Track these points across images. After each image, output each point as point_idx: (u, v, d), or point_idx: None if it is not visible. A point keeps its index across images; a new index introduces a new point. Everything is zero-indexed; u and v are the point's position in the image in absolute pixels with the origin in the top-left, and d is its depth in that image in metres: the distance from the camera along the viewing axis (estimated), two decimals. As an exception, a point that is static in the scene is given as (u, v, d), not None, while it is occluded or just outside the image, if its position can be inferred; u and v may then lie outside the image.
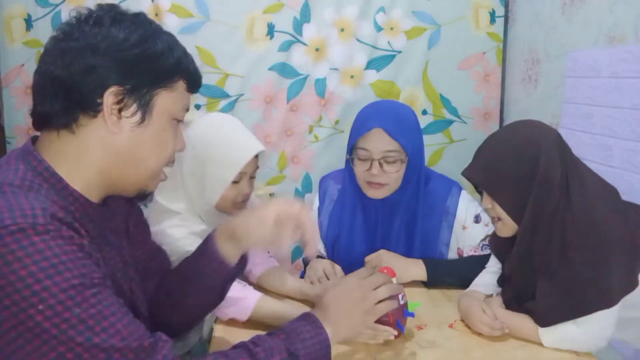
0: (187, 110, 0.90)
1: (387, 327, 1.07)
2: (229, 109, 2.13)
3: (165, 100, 0.83)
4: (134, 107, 0.80)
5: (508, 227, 1.19)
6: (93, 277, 0.71)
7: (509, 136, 1.18)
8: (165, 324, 0.97)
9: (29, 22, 2.03)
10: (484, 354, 1.10)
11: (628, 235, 1.07)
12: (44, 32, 2.03)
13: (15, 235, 0.66)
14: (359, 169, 1.44)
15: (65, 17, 2.01)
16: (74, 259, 0.70)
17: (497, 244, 1.29)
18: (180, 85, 0.86)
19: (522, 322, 1.15)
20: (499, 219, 1.19)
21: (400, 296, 1.11)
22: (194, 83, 0.89)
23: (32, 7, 2.01)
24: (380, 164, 1.39)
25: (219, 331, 1.18)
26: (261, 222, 0.93)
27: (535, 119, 1.24)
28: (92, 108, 0.78)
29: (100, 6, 0.82)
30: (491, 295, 1.28)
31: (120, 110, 0.79)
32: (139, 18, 0.83)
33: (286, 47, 2.14)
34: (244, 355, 0.81)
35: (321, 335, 0.88)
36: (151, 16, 2.00)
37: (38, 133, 0.85)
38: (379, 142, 1.39)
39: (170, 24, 2.01)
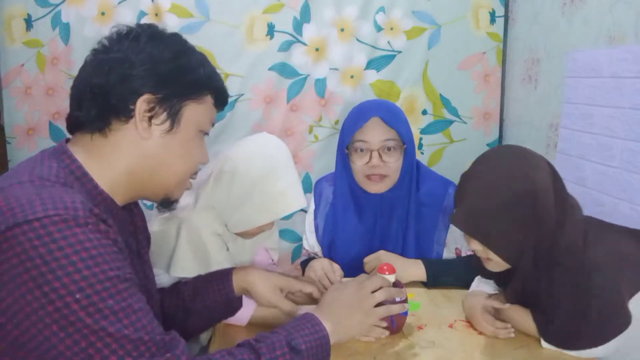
0: (213, 124, 0.96)
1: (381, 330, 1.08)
2: (229, 109, 2.13)
3: (194, 111, 0.89)
4: (164, 116, 0.86)
5: (500, 266, 1.11)
6: (126, 272, 0.75)
7: (499, 177, 1.04)
8: (179, 326, 1.06)
9: (29, 22, 2.03)
10: (484, 354, 1.10)
11: (614, 274, 1.02)
12: (44, 32, 2.03)
13: (59, 225, 0.70)
14: (358, 162, 1.44)
15: (65, 17, 2.03)
16: (110, 252, 0.74)
17: (489, 272, 1.22)
18: (209, 99, 0.92)
19: (525, 315, 1.14)
20: (489, 259, 1.11)
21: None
22: (221, 99, 0.96)
23: (32, 7, 2.02)
24: (380, 154, 1.40)
25: (219, 330, 1.18)
26: (274, 290, 1.11)
27: (517, 146, 1.13)
28: (125, 114, 0.84)
29: (139, 25, 0.89)
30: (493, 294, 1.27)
31: (151, 118, 0.85)
32: (175, 37, 0.90)
33: (286, 47, 2.14)
34: (248, 352, 0.85)
35: (321, 331, 0.92)
36: (151, 16, 2.02)
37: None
38: (377, 131, 1.40)
39: (170, 24, 2.01)
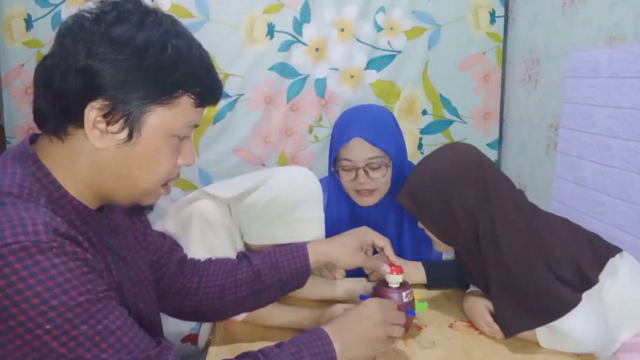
0: (197, 126, 0.81)
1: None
2: (229, 109, 2.13)
3: (161, 118, 0.75)
4: (120, 123, 0.72)
5: (440, 246, 1.25)
6: (98, 292, 0.70)
7: (431, 162, 1.22)
8: (203, 312, 1.05)
9: (29, 22, 2.03)
10: (484, 354, 1.10)
11: (545, 252, 1.11)
12: (44, 32, 2.03)
13: (18, 254, 0.64)
14: (345, 179, 1.43)
15: (65, 17, 2.02)
16: (79, 275, 0.68)
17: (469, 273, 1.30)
18: (184, 101, 0.76)
19: None
20: (433, 239, 1.24)
21: (404, 294, 1.11)
22: (205, 97, 0.79)
23: (32, 7, 2.02)
24: (366, 172, 1.39)
25: (219, 330, 1.18)
26: (357, 253, 1.10)
27: (464, 142, 1.28)
28: (78, 118, 0.72)
29: (114, 1, 0.74)
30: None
31: (107, 124, 0.72)
32: (149, 17, 0.74)
33: (286, 47, 2.14)
34: None
35: (330, 352, 0.87)
36: (151, 16, 2.02)
37: (33, 132, 0.82)
38: (360, 151, 1.38)
39: (170, 24, 2.02)
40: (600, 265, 1.11)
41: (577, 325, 1.07)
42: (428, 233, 1.24)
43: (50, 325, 0.65)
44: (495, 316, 1.16)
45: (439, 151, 1.24)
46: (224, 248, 1.23)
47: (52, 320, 0.65)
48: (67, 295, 0.66)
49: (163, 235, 1.07)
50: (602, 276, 1.11)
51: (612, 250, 1.14)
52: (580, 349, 1.09)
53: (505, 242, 1.11)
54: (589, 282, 1.10)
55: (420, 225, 1.24)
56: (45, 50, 2.03)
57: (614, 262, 1.12)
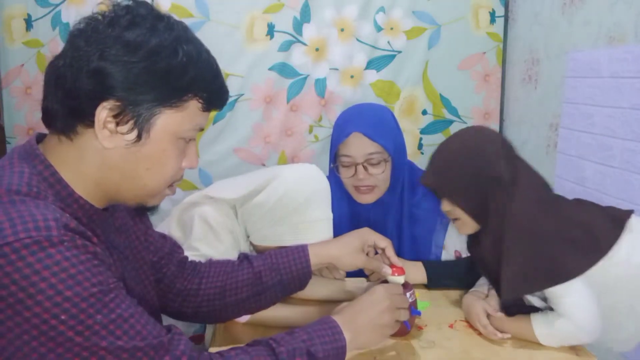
0: (202, 129, 0.84)
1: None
2: (229, 109, 2.13)
3: (170, 120, 0.77)
4: (130, 124, 0.75)
5: (468, 226, 1.23)
6: (109, 283, 0.72)
7: (457, 141, 1.25)
8: (204, 313, 1.05)
9: (29, 22, 2.03)
10: (484, 354, 1.11)
11: (562, 226, 1.13)
12: (44, 32, 2.03)
13: (31, 248, 0.66)
14: (345, 175, 1.44)
15: (65, 17, 2.03)
16: (90, 267, 0.70)
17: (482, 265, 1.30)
18: (192, 104, 0.79)
19: (518, 324, 1.15)
20: (458, 219, 1.24)
21: (408, 294, 1.11)
22: (212, 102, 0.82)
23: (32, 7, 2.02)
24: (365, 167, 1.39)
25: (220, 330, 1.19)
26: (359, 254, 1.10)
27: (481, 125, 1.32)
28: (88, 118, 0.74)
29: (127, 5, 0.77)
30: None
31: (117, 124, 0.74)
32: (162, 23, 0.77)
33: (286, 47, 2.14)
34: (266, 353, 0.82)
35: (340, 341, 0.89)
36: (151, 16, 2.02)
37: (38, 131, 0.83)
38: (359, 146, 1.38)
39: (170, 24, 2.02)
40: (620, 225, 1.13)
41: (574, 302, 1.07)
42: (455, 214, 1.22)
43: (65, 315, 0.67)
44: (500, 283, 1.15)
45: (460, 132, 1.27)
46: (227, 251, 1.22)
47: (67, 311, 0.67)
48: (81, 286, 0.68)
49: (164, 237, 1.07)
50: (623, 239, 1.12)
51: (628, 213, 1.17)
52: (575, 336, 1.09)
53: (522, 211, 1.13)
54: (601, 247, 1.11)
55: (445, 207, 1.23)
56: (45, 50, 2.04)
57: (630, 223, 1.14)
